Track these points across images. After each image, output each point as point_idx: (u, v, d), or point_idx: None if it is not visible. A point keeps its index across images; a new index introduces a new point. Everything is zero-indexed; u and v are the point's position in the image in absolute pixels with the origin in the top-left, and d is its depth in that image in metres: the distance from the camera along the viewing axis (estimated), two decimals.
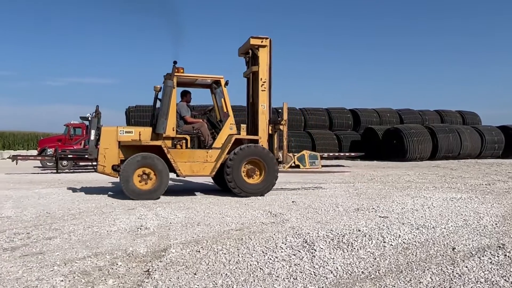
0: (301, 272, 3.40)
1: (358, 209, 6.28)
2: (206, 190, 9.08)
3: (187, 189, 9.17)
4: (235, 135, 8.03)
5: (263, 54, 8.32)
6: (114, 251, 3.97)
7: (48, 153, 17.55)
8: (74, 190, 8.98)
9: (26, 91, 78.59)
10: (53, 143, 18.75)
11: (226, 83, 8.24)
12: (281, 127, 8.39)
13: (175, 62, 7.81)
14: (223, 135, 8.06)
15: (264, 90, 8.32)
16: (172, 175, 7.84)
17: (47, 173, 15.09)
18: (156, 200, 7.37)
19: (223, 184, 8.26)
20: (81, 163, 17.35)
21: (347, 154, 19.47)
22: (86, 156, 15.14)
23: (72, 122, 20.17)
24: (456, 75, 74.15)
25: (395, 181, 10.49)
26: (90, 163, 17.74)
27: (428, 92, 71.50)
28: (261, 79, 8.30)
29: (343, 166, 17.22)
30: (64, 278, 3.19)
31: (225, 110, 8.33)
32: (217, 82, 8.38)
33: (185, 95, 8.66)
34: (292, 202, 7.04)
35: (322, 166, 16.73)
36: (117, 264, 3.55)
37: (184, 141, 7.94)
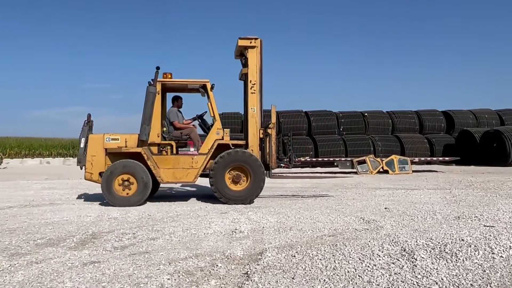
0: (403, 282, 3.27)
1: (458, 217, 5.89)
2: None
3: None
4: (219, 140, 7.79)
5: (252, 56, 7.99)
6: (213, 253, 4.13)
7: None
8: (169, 194, 9.52)
9: (122, 101, 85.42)
10: None
11: (212, 87, 7.95)
12: (269, 130, 8.01)
13: (157, 68, 7.70)
14: (209, 141, 7.82)
15: (254, 93, 7.97)
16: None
17: None
18: (247, 204, 7.54)
19: None
20: None
21: (440, 158, 18.40)
22: None
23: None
24: None
25: (498, 188, 9.66)
26: None
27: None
28: (250, 81, 7.99)
29: (436, 171, 16.27)
30: (170, 276, 3.39)
31: (211, 115, 8.01)
32: (204, 87, 8.03)
33: (176, 100, 8.50)
34: (385, 208, 6.79)
35: (413, 171, 15.99)
36: (217, 265, 3.69)
37: (169, 147, 7.85)
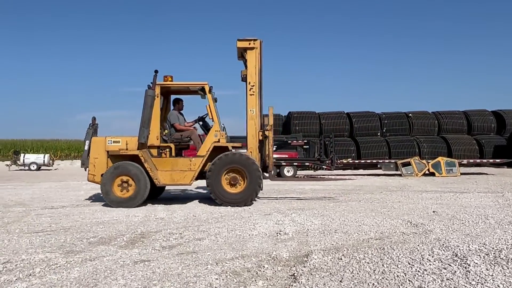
0: None
1: None
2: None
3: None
4: (215, 142, 7.82)
5: (251, 57, 8.00)
6: (259, 254, 4.15)
7: None
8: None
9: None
10: None
11: (210, 89, 7.99)
12: (266, 132, 7.99)
13: (156, 71, 7.80)
14: (207, 143, 7.89)
15: (253, 95, 7.97)
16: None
17: None
18: (290, 206, 7.52)
19: None
20: None
21: (490, 160, 17.64)
22: None
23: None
24: None
25: None
26: None
27: None
28: (249, 83, 8.01)
29: (486, 174, 15.61)
30: (218, 276, 3.43)
31: (210, 117, 8.06)
32: (202, 89, 8.09)
33: (177, 103, 8.56)
34: (433, 212, 6.59)
35: (461, 174, 15.41)
36: (264, 266, 3.70)
37: (168, 149, 7.96)
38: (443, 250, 4.13)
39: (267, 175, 8.39)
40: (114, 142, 7.96)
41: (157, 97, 7.89)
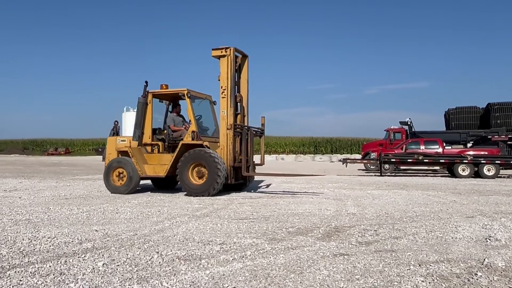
0: None
1: None
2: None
3: None
4: (183, 141, 8.84)
5: (223, 64, 8.95)
6: (467, 259, 3.79)
7: (372, 157, 18.77)
8: (402, 193, 9.22)
9: (346, 100, 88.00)
10: (375, 148, 19.94)
11: (188, 95, 9.01)
12: (227, 131, 8.82)
13: (146, 82, 9.29)
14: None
15: (224, 97, 8.92)
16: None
17: (370, 175, 16.11)
18: (497, 209, 6.67)
19: None
20: (402, 167, 17.77)
21: None
22: (409, 160, 15.38)
23: (392, 127, 20.89)
24: None
25: None
26: (411, 167, 17.93)
27: None
28: (221, 87, 8.95)
29: None
30: (424, 279, 3.25)
31: (188, 119, 9.16)
32: (183, 95, 9.09)
33: (175, 107, 9.93)
34: None
35: None
36: (476, 274, 3.35)
37: (156, 147, 9.34)
38: None
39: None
40: (121, 141, 9.51)
41: (149, 103, 9.34)
